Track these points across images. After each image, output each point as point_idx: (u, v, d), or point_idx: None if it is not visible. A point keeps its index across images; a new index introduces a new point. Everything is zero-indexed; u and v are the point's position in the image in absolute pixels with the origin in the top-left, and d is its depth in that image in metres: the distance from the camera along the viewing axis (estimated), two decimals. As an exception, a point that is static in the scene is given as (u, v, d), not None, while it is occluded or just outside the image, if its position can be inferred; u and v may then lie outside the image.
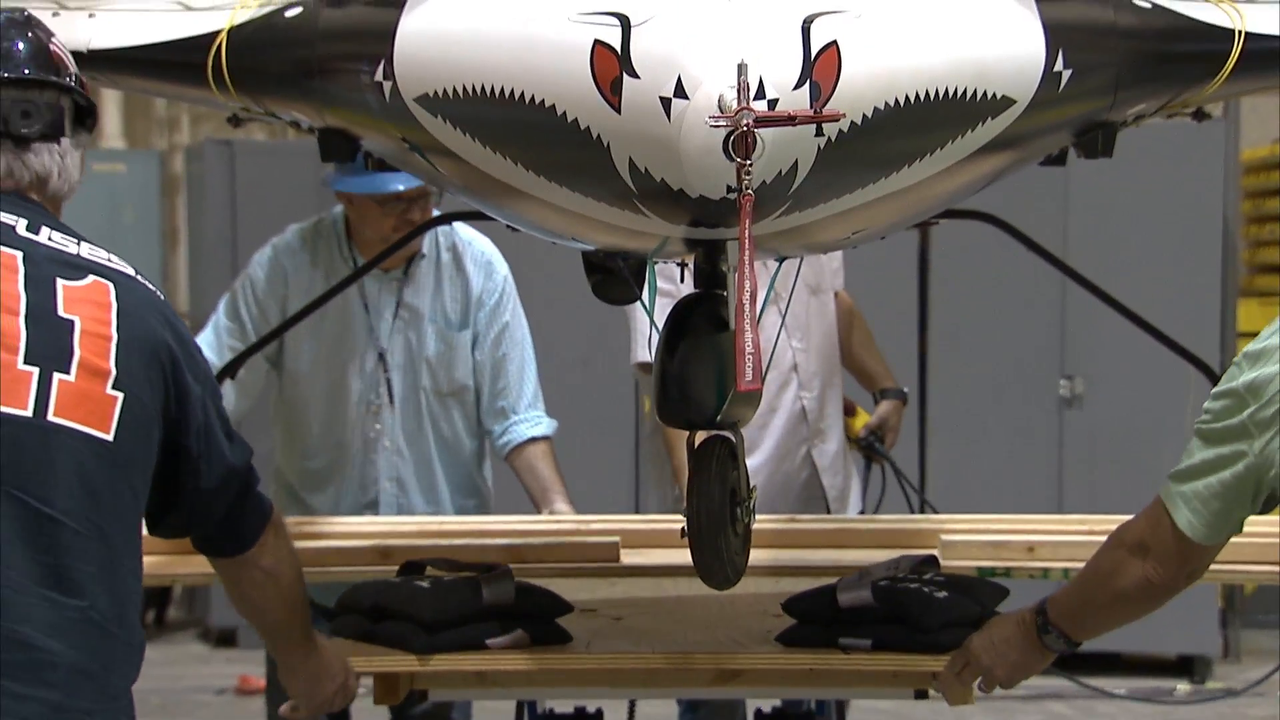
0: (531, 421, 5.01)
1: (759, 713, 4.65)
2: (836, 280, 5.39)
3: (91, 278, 2.74)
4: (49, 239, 2.77)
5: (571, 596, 3.72)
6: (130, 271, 2.82)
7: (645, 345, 4.99)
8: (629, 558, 4.26)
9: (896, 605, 3.51)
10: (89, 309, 2.69)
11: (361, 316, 4.95)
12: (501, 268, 5.10)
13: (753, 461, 4.89)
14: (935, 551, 4.05)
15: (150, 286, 2.85)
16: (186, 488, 2.87)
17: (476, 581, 3.59)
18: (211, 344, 4.96)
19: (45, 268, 2.69)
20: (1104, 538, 3.83)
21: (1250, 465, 3.07)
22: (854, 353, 5.48)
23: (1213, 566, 3.64)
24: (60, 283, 2.69)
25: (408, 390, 4.97)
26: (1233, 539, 3.85)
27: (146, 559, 3.94)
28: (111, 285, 2.74)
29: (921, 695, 3.62)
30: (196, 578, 4.28)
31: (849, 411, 5.37)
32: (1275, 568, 4.11)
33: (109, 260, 2.81)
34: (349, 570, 4.15)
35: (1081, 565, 3.63)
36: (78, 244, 2.80)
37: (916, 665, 3.48)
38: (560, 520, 4.70)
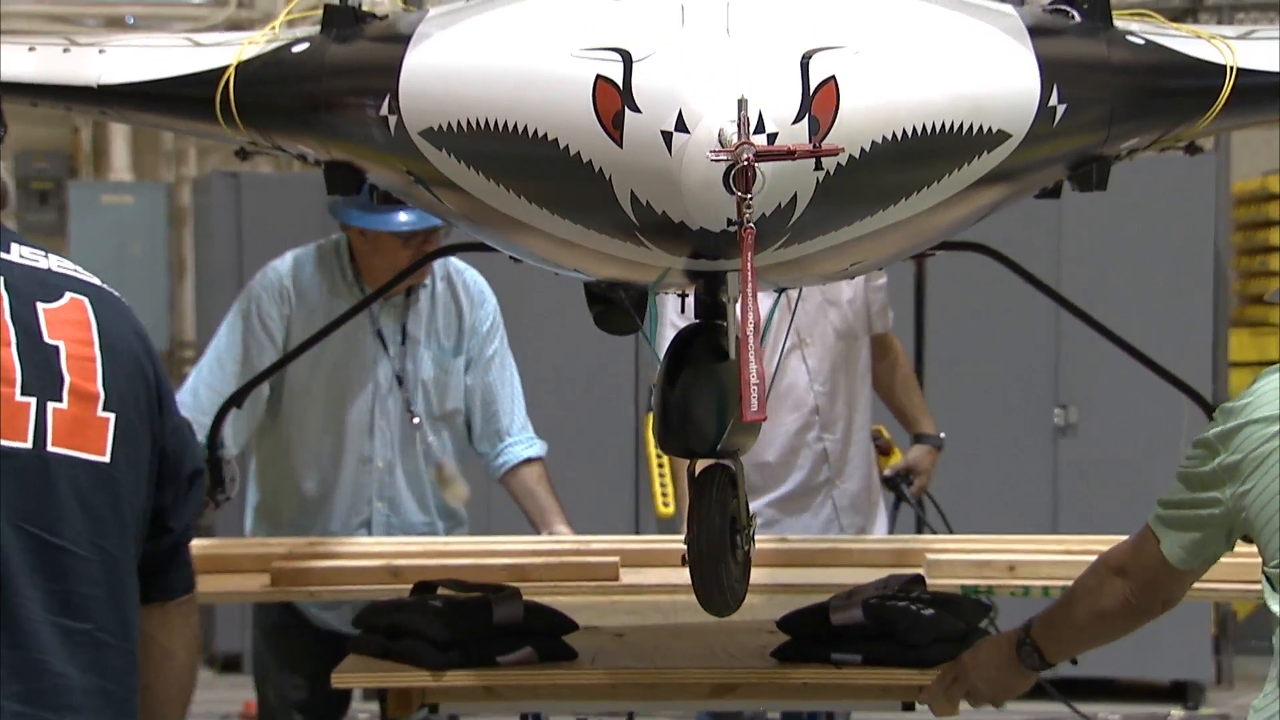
0: (525, 443, 5.13)
1: None
2: (880, 323, 5.48)
3: (68, 295, 2.71)
4: (20, 256, 2.73)
5: (574, 614, 3.85)
6: (98, 282, 2.80)
7: None
8: (628, 577, 4.39)
9: (886, 622, 3.67)
10: (71, 330, 2.67)
11: (371, 341, 5.00)
12: (491, 298, 5.20)
13: (775, 497, 5.25)
14: (921, 570, 4.19)
15: (118, 296, 2.83)
16: (166, 498, 2.83)
17: (487, 601, 3.74)
18: (215, 370, 5.02)
19: (24, 291, 2.66)
20: (1081, 557, 4.20)
21: (1223, 511, 3.18)
22: (894, 395, 5.62)
23: (1196, 585, 3.79)
24: (40, 306, 2.66)
25: (404, 413, 5.02)
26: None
27: None
28: (87, 301, 2.72)
29: (909, 708, 3.76)
30: (221, 596, 4.64)
31: (885, 451, 5.51)
32: (1251, 586, 3.97)
33: (76, 272, 2.77)
34: (359, 589, 4.30)
35: (1060, 583, 3.92)
36: (45, 256, 2.76)
37: (905, 679, 3.65)
38: (561, 541, 4.79)
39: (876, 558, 4.51)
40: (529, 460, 5.10)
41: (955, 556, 4.37)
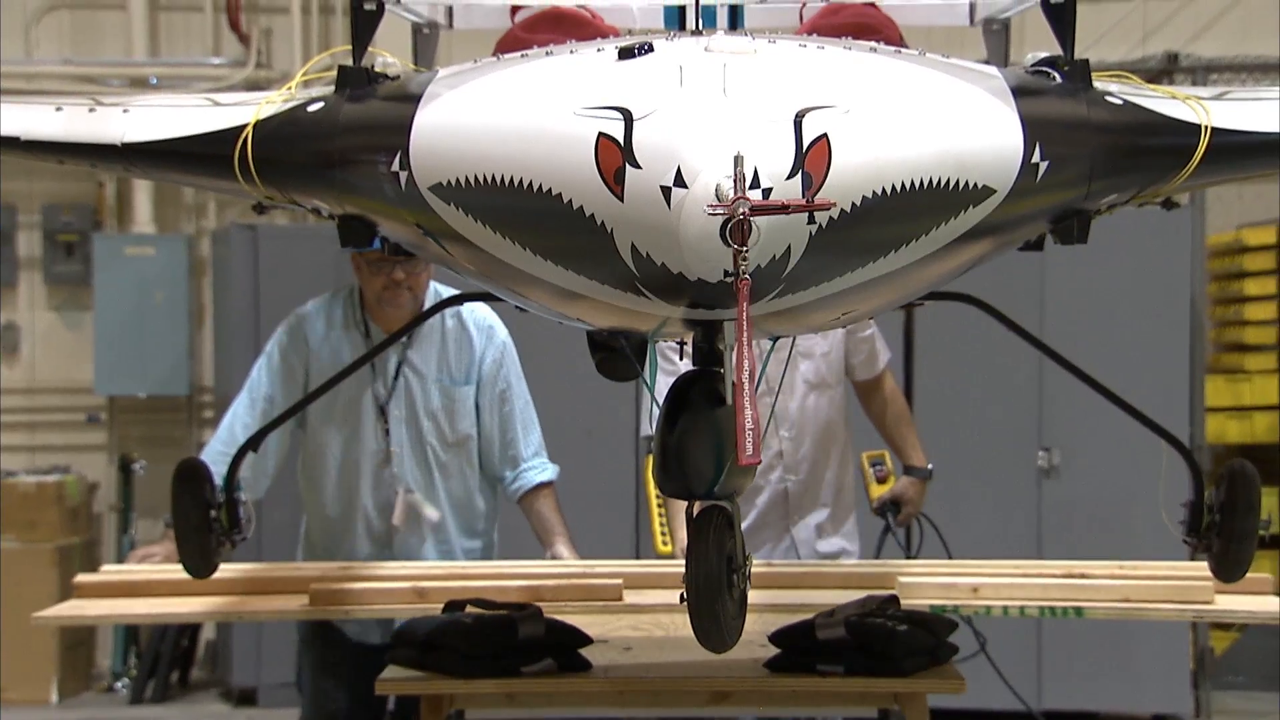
0: (539, 468, 5.42)
1: None
2: (864, 371, 5.71)
3: None
4: None
5: (584, 630, 4.14)
6: None
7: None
8: (630, 597, 4.64)
9: (865, 637, 3.96)
10: None
11: (367, 375, 5.19)
12: (501, 332, 5.44)
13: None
14: (895, 592, 4.43)
15: None
16: None
17: (512, 619, 4.03)
18: (248, 409, 5.29)
19: None
20: (1037, 579, 4.64)
21: None
22: (887, 429, 5.80)
23: (1132, 604, 4.48)
24: None
25: (413, 441, 5.29)
26: (1149, 582, 4.61)
27: (215, 600, 4.48)
28: None
29: (884, 714, 4.18)
30: (265, 615, 4.91)
31: (883, 479, 5.78)
32: (1189, 606, 4.62)
33: None
34: (390, 608, 4.62)
35: (1018, 602, 4.44)
36: None
37: (882, 688, 3.99)
38: (570, 565, 5.07)
39: (855, 580, 4.74)
40: (540, 486, 5.39)
41: (925, 579, 4.62)
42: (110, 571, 4.99)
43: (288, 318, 5.41)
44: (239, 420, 5.29)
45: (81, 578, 4.83)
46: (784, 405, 5.55)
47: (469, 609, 4.20)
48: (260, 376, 5.34)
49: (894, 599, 4.27)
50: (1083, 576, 4.68)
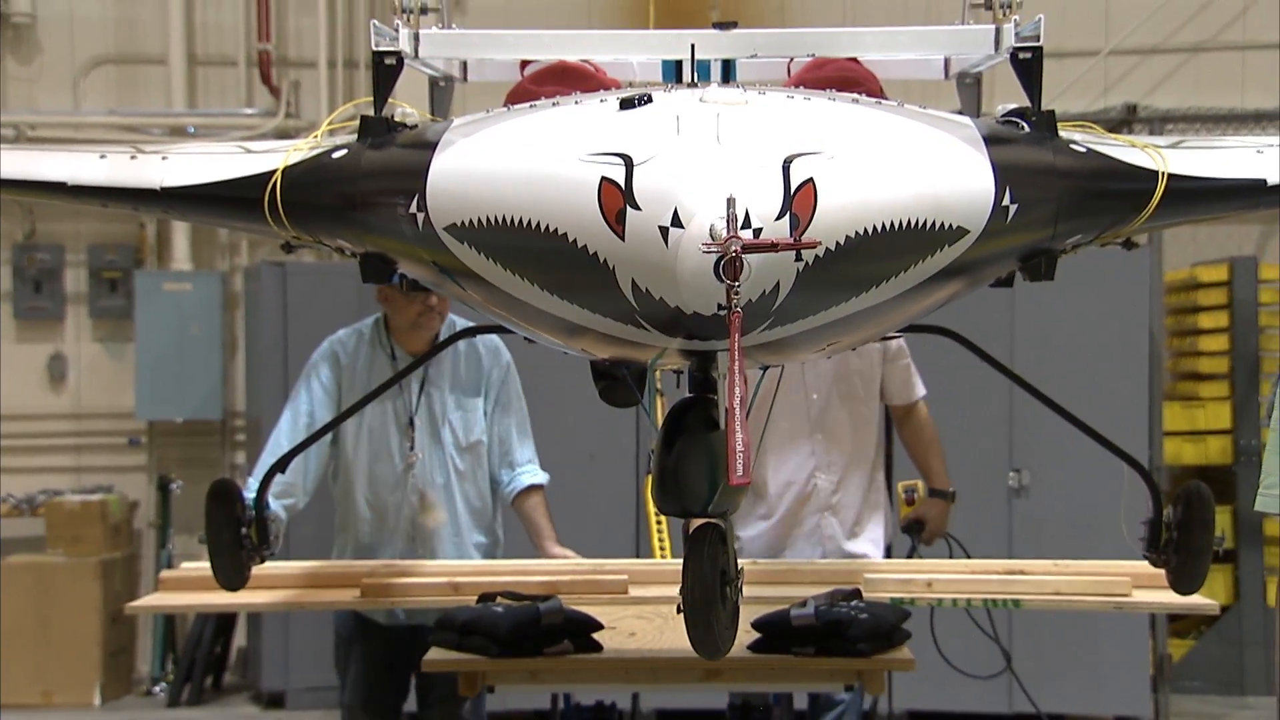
0: (530, 473, 5.66)
1: (731, 704, 5.26)
2: (899, 395, 5.93)
3: None
4: None
5: (595, 617, 4.51)
6: None
7: None
8: (634, 591, 4.91)
9: (832, 623, 4.33)
10: None
11: (393, 391, 5.40)
12: (505, 354, 5.69)
13: (776, 520, 5.78)
14: (860, 586, 4.71)
15: None
16: None
17: (535, 609, 4.41)
18: (291, 427, 5.50)
19: None
20: (982, 576, 4.91)
21: None
22: (916, 454, 6.04)
23: (1062, 596, 4.78)
24: None
25: (433, 447, 5.55)
26: (1077, 577, 4.83)
27: (279, 593, 4.74)
28: None
29: (850, 688, 4.51)
30: (324, 605, 5.16)
31: (911, 504, 6.00)
32: (1110, 598, 4.84)
33: None
34: (429, 600, 4.91)
35: (965, 595, 4.79)
36: None
37: (846, 666, 4.37)
38: (583, 563, 5.31)
39: (828, 576, 4.99)
40: (532, 487, 5.63)
41: (887, 576, 4.88)
42: (189, 569, 5.13)
43: (324, 344, 5.66)
44: (284, 437, 5.49)
45: (166, 574, 5.19)
46: (820, 412, 5.79)
47: (499, 600, 4.54)
48: (301, 397, 5.58)
49: (857, 592, 4.59)
50: (1021, 573, 4.98)
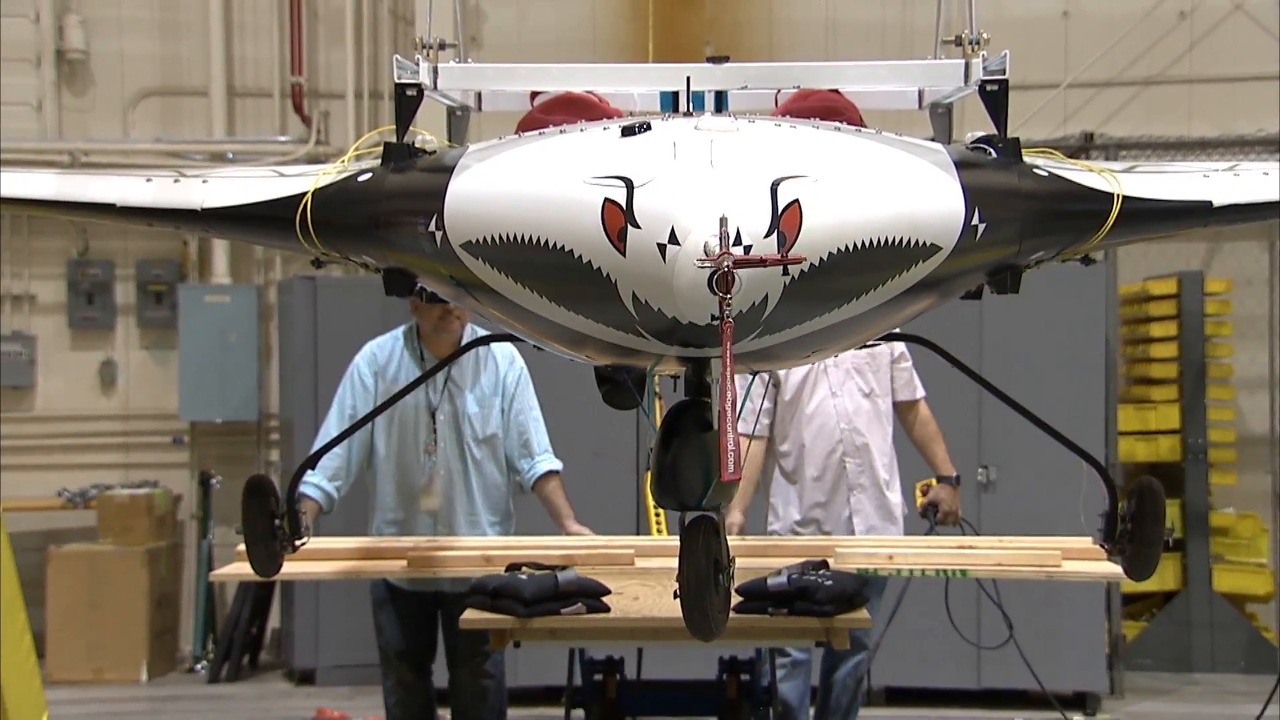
0: (546, 461, 5.89)
1: (721, 660, 5.50)
2: (904, 393, 6.22)
3: None
4: None
5: (605, 584, 4.78)
6: None
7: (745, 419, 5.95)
8: (639, 563, 5.22)
9: (802, 589, 4.61)
10: None
11: (422, 390, 5.70)
12: (519, 359, 5.93)
13: (815, 500, 6.12)
14: (829, 558, 4.96)
15: None
16: None
17: (554, 576, 4.69)
18: (337, 421, 5.74)
19: None
20: (938, 551, 5.18)
21: None
22: (922, 447, 6.29)
23: (1003, 567, 5.03)
24: None
25: (454, 437, 5.79)
26: (1015, 551, 5.08)
27: (337, 564, 5.06)
28: None
29: (822, 644, 4.79)
30: (373, 573, 5.43)
31: (925, 492, 6.25)
32: (1043, 569, 5.08)
33: None
34: (464, 570, 5.16)
35: (921, 566, 5.02)
36: None
37: (814, 625, 4.63)
38: (595, 539, 5.59)
39: (802, 550, 5.25)
40: (549, 473, 5.86)
41: (855, 550, 5.13)
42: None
43: (365, 348, 5.93)
44: (332, 428, 5.73)
45: (242, 548, 5.37)
46: (844, 406, 6.11)
47: (524, 570, 4.79)
48: (345, 394, 5.85)
49: (824, 563, 4.86)
50: (970, 548, 5.31)
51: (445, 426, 5.78)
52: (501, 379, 5.86)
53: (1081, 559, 5.06)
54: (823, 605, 4.58)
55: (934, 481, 6.23)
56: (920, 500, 6.19)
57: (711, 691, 5.43)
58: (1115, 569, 4.79)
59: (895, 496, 6.19)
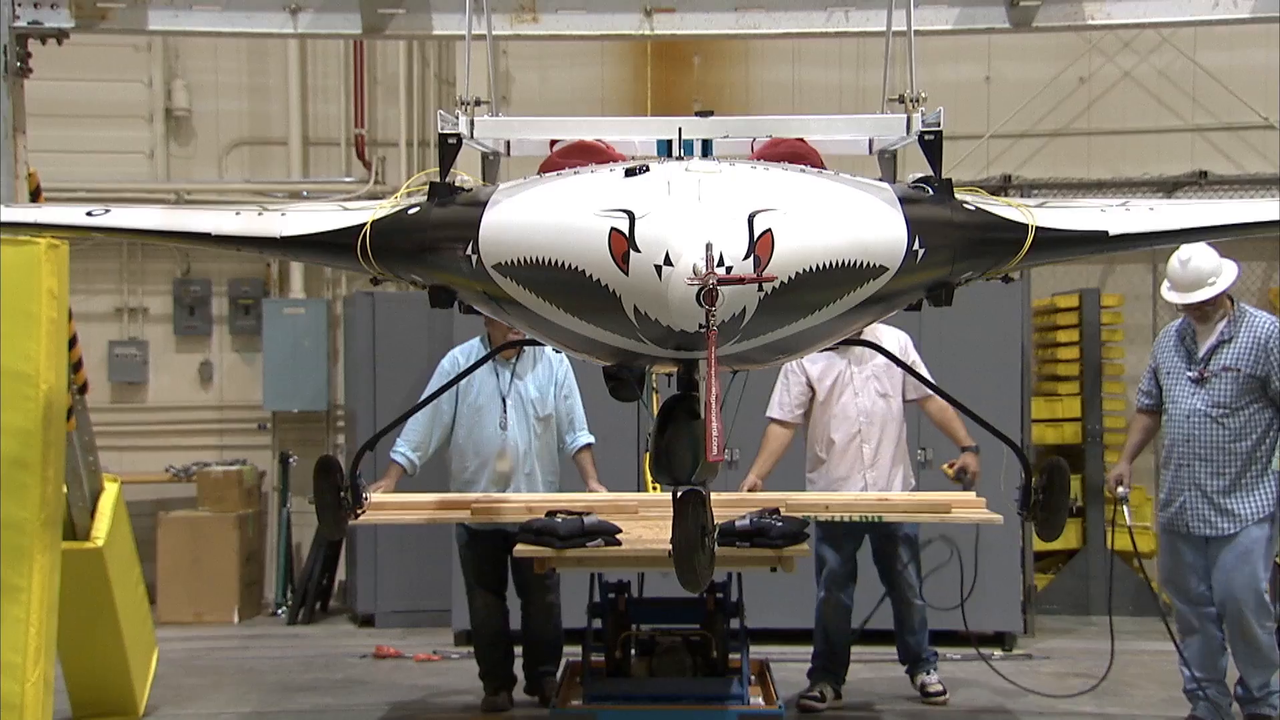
0: (584, 436, 6.37)
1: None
2: (914, 392, 6.41)
3: None
4: None
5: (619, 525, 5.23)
6: None
7: (777, 405, 6.47)
8: (643, 513, 5.68)
9: (760, 528, 5.03)
10: None
11: (495, 381, 6.22)
12: (566, 358, 6.27)
13: (834, 477, 6.37)
14: (780, 506, 5.40)
15: None
16: None
17: (581, 520, 5.14)
18: (429, 409, 6.07)
19: None
20: (861, 501, 5.88)
21: None
22: (942, 425, 6.50)
23: (907, 513, 5.81)
24: None
25: (520, 417, 6.24)
26: (917, 501, 5.69)
27: (422, 513, 5.79)
28: None
29: (773, 570, 5.02)
30: (446, 519, 6.05)
31: (952, 465, 6.44)
32: (935, 516, 5.68)
33: None
34: (513, 517, 5.58)
35: (847, 513, 5.71)
36: None
37: (767, 556, 5.00)
38: (610, 495, 6.06)
39: (760, 503, 5.62)
40: (585, 446, 6.36)
41: (802, 501, 5.76)
42: (377, 500, 5.70)
43: (452, 350, 6.29)
44: (418, 417, 6.07)
45: (369, 500, 5.59)
46: (864, 404, 6.34)
47: (559, 515, 5.20)
48: (434, 383, 6.16)
49: (777, 510, 5.27)
50: (887, 501, 5.94)
51: (514, 409, 6.19)
52: (554, 372, 6.27)
53: (966, 509, 5.62)
54: (774, 540, 4.98)
55: (961, 459, 6.40)
56: (949, 471, 6.41)
57: (696, 606, 5.78)
58: (989, 515, 5.50)
59: (898, 474, 6.43)
